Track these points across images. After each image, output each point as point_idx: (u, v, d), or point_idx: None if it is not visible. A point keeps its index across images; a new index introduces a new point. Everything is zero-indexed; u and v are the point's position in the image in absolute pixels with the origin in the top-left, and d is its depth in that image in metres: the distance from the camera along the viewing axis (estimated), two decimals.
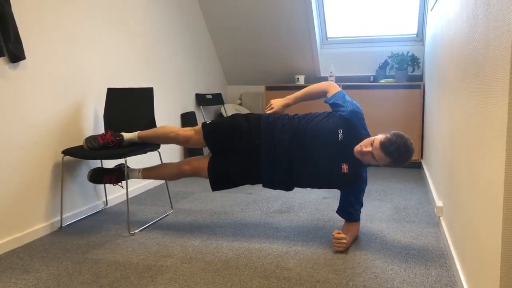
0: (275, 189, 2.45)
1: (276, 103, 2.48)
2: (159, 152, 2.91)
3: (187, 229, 2.60)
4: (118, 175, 2.71)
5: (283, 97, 2.50)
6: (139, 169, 2.69)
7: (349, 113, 2.29)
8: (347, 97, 2.38)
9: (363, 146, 2.14)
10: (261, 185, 2.45)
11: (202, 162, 2.49)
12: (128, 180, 2.64)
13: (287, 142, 2.30)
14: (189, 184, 3.78)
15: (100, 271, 2.02)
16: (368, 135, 2.28)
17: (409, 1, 4.51)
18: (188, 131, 2.54)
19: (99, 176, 2.70)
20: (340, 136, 2.23)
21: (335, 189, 2.48)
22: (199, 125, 2.54)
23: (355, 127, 2.26)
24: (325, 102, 2.45)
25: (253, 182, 2.45)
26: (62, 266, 2.09)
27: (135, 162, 3.49)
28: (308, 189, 3.45)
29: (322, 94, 2.48)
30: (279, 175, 2.34)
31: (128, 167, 2.72)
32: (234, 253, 2.21)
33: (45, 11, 2.54)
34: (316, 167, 2.28)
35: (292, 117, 2.40)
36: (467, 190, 1.69)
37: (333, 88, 2.44)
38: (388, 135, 2.11)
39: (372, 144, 2.11)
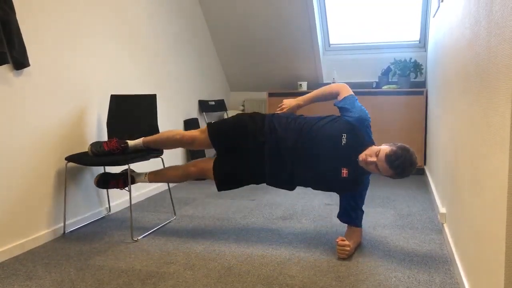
0: (277, 186, 2.45)
1: (288, 103, 2.48)
2: (162, 159, 2.92)
3: (189, 235, 2.60)
4: (125, 180, 2.70)
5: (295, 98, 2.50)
6: (145, 173, 2.70)
7: (355, 120, 2.27)
8: (357, 103, 2.36)
9: (368, 156, 2.12)
10: (266, 184, 2.46)
11: (208, 163, 2.52)
12: (132, 186, 2.64)
13: (291, 143, 2.30)
14: (192, 190, 3.78)
15: (103, 277, 2.02)
16: (372, 143, 2.26)
17: (411, 8, 4.53)
18: (194, 132, 2.57)
19: (106, 181, 2.71)
20: (344, 141, 2.22)
21: (338, 196, 2.47)
22: (204, 126, 2.57)
23: (360, 134, 2.25)
24: (334, 104, 2.45)
25: (258, 182, 2.47)
26: (65, 272, 2.09)
27: (138, 168, 3.50)
28: (311, 195, 3.46)
29: (334, 96, 2.47)
30: (282, 173, 2.35)
31: (134, 171, 2.73)
32: (236, 259, 2.21)
33: (49, 18, 2.56)
34: (316, 168, 2.28)
35: (297, 117, 2.40)
36: (470, 196, 1.68)
37: (345, 91, 2.42)
38: (394, 148, 2.07)
39: (377, 155, 2.08)
